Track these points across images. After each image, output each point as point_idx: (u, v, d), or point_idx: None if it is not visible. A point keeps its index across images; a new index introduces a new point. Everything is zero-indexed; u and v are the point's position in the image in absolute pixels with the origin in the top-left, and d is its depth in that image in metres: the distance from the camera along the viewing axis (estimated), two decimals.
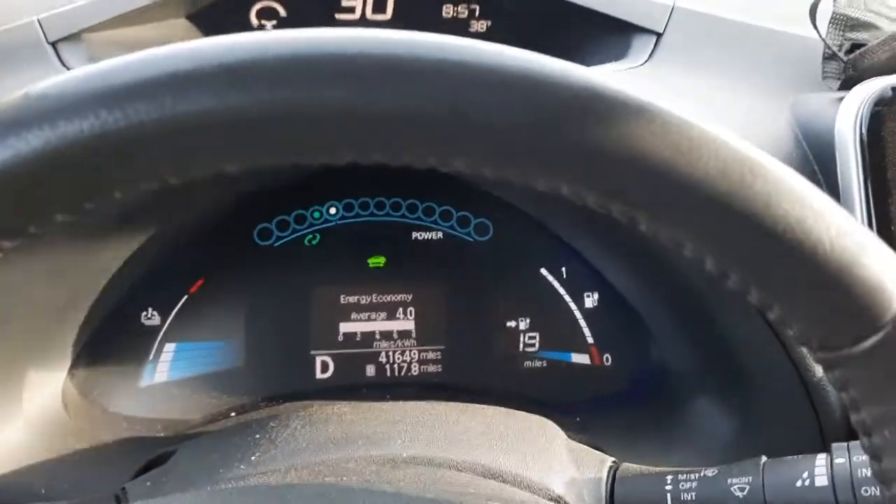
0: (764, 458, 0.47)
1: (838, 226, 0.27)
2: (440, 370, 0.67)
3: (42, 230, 0.28)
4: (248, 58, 0.26)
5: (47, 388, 0.60)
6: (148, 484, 0.48)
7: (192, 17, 0.76)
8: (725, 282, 0.29)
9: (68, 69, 0.65)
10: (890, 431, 0.29)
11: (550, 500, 0.45)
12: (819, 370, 0.53)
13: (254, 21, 0.78)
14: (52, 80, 0.26)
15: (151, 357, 0.64)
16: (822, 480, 0.44)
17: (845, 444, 0.45)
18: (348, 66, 0.26)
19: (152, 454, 0.54)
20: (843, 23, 0.64)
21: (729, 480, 0.46)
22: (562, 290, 0.68)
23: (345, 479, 0.43)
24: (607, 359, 0.67)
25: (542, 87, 0.26)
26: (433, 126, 0.26)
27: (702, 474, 0.47)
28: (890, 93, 0.57)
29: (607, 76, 0.28)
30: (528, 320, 0.68)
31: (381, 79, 0.26)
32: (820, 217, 0.27)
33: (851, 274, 0.27)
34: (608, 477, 0.49)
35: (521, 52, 0.27)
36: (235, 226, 0.66)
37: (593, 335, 0.67)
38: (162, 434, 0.59)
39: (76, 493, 0.50)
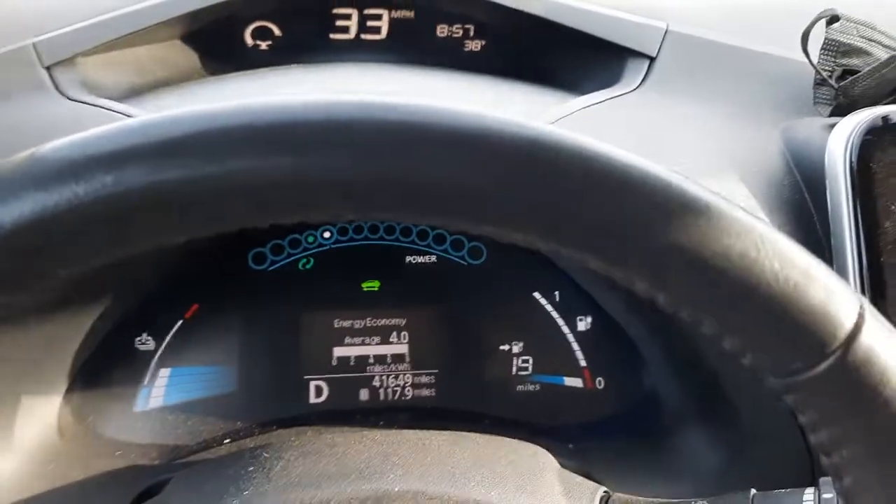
0: (753, 491, 0.47)
1: (782, 255, 0.28)
2: (434, 394, 0.67)
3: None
4: (249, 123, 0.27)
5: (42, 414, 0.60)
6: None
7: (186, 39, 0.76)
8: (679, 315, 0.30)
9: (62, 94, 0.65)
10: (847, 451, 0.30)
11: None
12: None
13: (248, 41, 0.78)
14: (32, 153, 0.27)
15: (146, 382, 0.64)
16: None
17: None
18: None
19: (147, 483, 0.55)
20: (835, 49, 0.64)
21: None
22: (555, 314, 0.68)
23: None
24: (600, 382, 0.68)
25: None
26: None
27: None
28: (880, 122, 0.58)
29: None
30: (521, 344, 0.68)
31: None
32: (764, 247, 0.28)
33: (798, 303, 0.28)
34: None
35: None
36: (230, 250, 0.66)
37: (586, 358, 0.68)
38: (157, 462, 0.60)
39: None
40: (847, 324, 0.28)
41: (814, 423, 0.30)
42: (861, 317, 0.29)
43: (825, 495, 0.45)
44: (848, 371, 0.28)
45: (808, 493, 0.45)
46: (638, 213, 0.28)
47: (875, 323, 0.29)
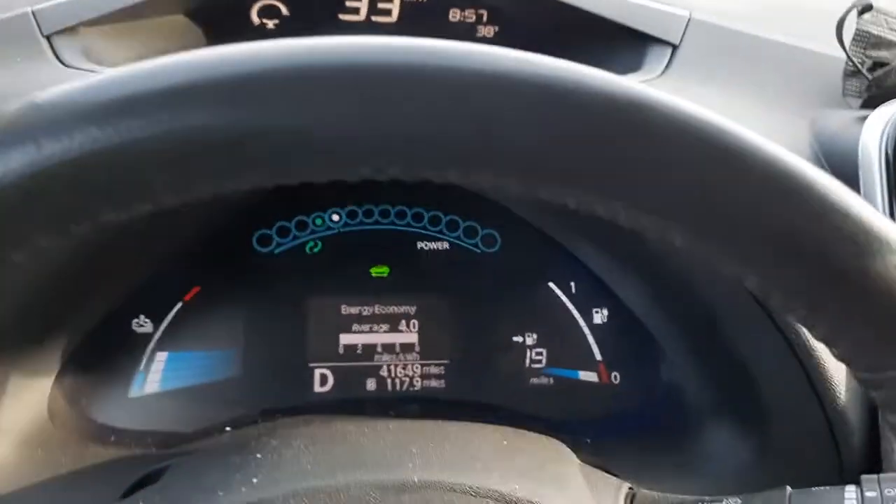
0: (789, 489, 0.45)
1: (885, 242, 0.26)
2: (443, 385, 0.65)
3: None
4: (261, 70, 0.25)
5: (32, 397, 0.57)
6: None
7: (190, 14, 0.73)
8: (768, 301, 0.28)
9: (62, 63, 0.62)
10: None
11: None
12: (842, 400, 0.52)
13: (255, 19, 0.76)
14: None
15: (142, 366, 0.61)
16: None
17: (876, 476, 0.44)
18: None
19: (143, 471, 0.52)
20: (865, 40, 0.63)
21: None
22: (570, 305, 0.66)
23: None
24: (616, 377, 0.65)
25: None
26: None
27: None
28: None
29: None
30: (535, 335, 0.66)
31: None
32: (869, 238, 0.26)
33: None
34: None
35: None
36: (234, 231, 0.63)
37: (602, 352, 0.65)
38: (153, 449, 0.57)
39: None
40: None
41: None
42: None
43: (868, 493, 0.42)
44: None
45: (850, 491, 0.43)
46: (747, 197, 0.26)
47: None
